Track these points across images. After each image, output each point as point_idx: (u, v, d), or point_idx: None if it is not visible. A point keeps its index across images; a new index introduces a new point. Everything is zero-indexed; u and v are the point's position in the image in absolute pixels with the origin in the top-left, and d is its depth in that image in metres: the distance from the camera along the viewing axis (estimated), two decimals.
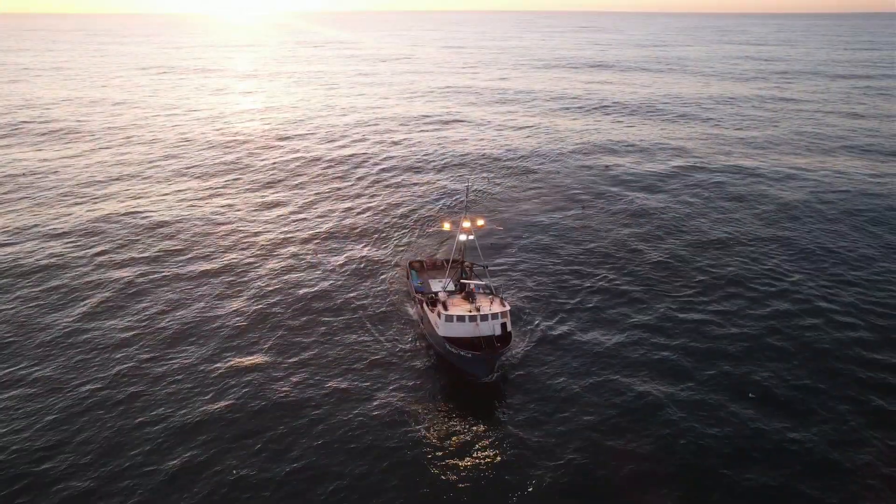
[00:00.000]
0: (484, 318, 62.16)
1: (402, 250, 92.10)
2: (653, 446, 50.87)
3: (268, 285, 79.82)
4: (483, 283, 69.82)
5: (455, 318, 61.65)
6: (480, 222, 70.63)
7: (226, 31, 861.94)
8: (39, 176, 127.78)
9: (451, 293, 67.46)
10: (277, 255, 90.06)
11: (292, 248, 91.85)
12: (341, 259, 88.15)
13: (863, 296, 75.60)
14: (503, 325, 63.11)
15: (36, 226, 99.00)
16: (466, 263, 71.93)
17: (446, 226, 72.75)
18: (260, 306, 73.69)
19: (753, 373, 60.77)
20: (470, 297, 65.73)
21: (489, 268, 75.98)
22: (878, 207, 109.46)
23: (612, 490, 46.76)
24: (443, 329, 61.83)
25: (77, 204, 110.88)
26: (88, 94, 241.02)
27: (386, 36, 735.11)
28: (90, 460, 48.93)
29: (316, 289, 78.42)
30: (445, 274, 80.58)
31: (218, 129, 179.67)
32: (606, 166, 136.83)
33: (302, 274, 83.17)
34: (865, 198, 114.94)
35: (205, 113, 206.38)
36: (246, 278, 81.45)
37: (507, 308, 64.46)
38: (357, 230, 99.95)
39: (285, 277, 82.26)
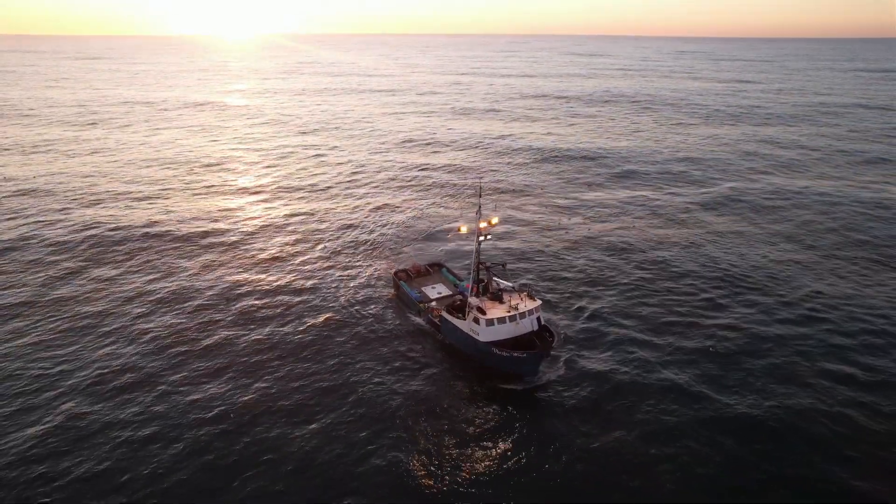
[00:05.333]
0: (522, 315, 61.24)
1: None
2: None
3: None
4: (507, 282, 68.60)
5: (496, 321, 60.40)
6: (495, 220, 69.22)
7: (225, 53, 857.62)
8: None
9: (479, 297, 66.05)
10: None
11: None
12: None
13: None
14: (538, 320, 62.29)
15: None
16: (486, 263, 70.44)
17: (463, 229, 71.15)
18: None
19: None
20: (498, 297, 64.52)
21: (507, 265, 74.73)
22: None
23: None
24: (485, 334, 60.48)
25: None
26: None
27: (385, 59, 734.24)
28: None
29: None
30: (431, 280, 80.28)
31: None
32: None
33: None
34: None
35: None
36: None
37: (539, 302, 63.57)
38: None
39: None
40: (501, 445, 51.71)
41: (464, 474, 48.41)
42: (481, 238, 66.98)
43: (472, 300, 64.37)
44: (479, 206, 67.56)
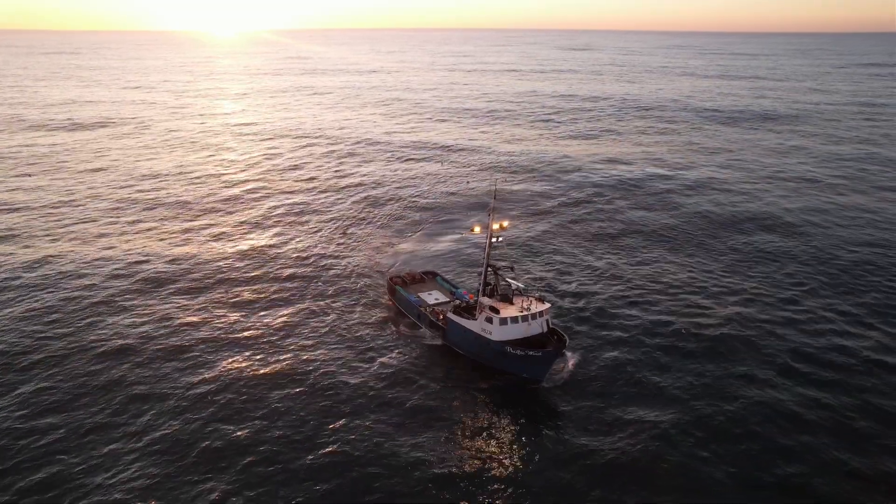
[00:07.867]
0: (534, 317, 62.01)
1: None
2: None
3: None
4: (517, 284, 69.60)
5: (510, 321, 61.22)
6: (506, 224, 70.24)
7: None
8: None
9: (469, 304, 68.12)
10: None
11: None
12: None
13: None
14: (547, 322, 63.41)
15: None
16: (495, 265, 71.22)
17: (476, 229, 72.05)
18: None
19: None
20: (507, 299, 65.13)
21: (514, 268, 75.75)
22: None
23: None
24: (498, 333, 61.21)
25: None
26: None
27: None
28: None
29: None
30: (426, 287, 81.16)
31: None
32: None
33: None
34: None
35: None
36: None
37: (548, 305, 64.59)
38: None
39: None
40: (506, 454, 52.09)
41: (472, 485, 48.62)
42: (493, 239, 68.06)
43: (484, 300, 64.69)
44: (493, 208, 68.48)
